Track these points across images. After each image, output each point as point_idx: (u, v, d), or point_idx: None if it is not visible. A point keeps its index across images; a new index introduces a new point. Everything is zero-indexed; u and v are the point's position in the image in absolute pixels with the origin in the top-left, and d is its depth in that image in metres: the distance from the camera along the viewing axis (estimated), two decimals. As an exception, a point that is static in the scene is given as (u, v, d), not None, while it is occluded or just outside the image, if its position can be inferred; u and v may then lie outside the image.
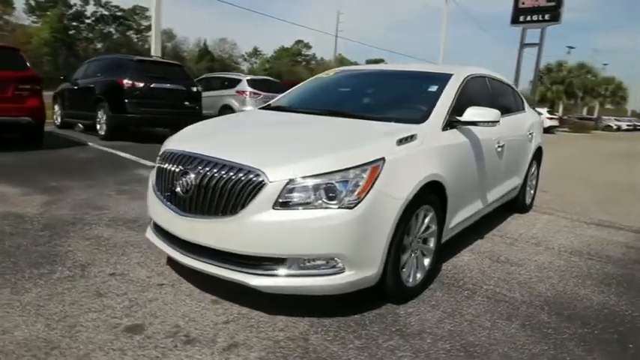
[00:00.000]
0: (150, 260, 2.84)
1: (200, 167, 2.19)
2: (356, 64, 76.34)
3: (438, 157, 2.59)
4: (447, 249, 3.21)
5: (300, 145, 2.38)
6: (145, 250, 3.00)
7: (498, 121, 2.88)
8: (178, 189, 2.25)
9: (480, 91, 3.53)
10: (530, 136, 4.42)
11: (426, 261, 2.64)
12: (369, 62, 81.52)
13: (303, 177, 2.05)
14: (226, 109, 11.47)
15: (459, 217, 2.97)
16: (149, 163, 6.27)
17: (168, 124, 9.41)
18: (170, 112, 8.86)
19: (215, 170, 2.14)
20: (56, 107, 10.32)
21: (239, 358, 1.87)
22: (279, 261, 2.08)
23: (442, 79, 3.13)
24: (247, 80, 11.49)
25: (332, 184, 2.06)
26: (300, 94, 3.58)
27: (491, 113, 2.85)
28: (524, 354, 2.04)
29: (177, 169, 2.29)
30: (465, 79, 3.22)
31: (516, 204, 4.50)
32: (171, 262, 2.77)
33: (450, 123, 2.83)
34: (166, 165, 2.38)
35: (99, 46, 46.07)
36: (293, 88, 3.74)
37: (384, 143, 2.32)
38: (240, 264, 2.13)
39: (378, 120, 2.75)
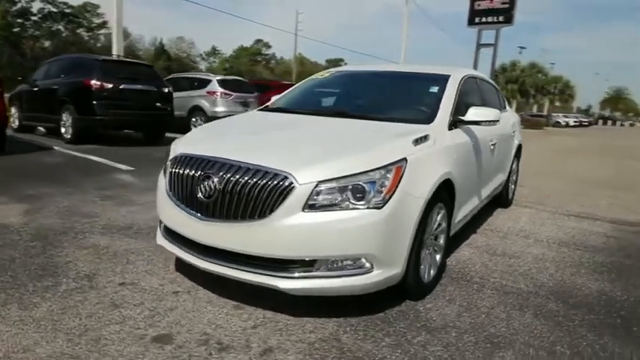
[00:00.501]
0: (157, 268, 2.75)
1: (223, 171, 2.15)
2: (316, 63, 76.47)
3: (448, 155, 2.67)
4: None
5: (320, 146, 2.38)
6: (150, 257, 2.91)
7: (498, 120, 3.01)
8: (200, 194, 2.20)
9: (473, 91, 3.66)
10: (513, 134, 4.63)
11: (438, 257, 2.72)
12: (329, 62, 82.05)
13: (331, 179, 2.06)
14: (197, 111, 11.25)
15: (462, 213, 3.07)
16: (125, 167, 6.07)
17: (139, 126, 9.11)
18: (141, 114, 8.57)
19: (240, 174, 2.11)
20: (13, 110, 9.74)
21: (276, 363, 1.86)
22: (308, 263, 2.08)
23: (440, 80, 3.23)
24: (218, 80, 11.29)
25: (360, 184, 2.08)
26: (301, 96, 3.57)
27: (492, 113, 2.96)
28: (544, 342, 2.15)
29: (197, 174, 2.23)
30: (461, 79, 3.33)
31: (500, 198, 4.69)
32: (182, 269, 2.70)
33: (454, 122, 2.92)
34: (183, 169, 2.31)
35: (47, 44, 43.76)
36: (290, 89, 3.73)
37: (402, 144, 2.36)
38: (267, 267, 2.11)
39: (386, 121, 2.80)
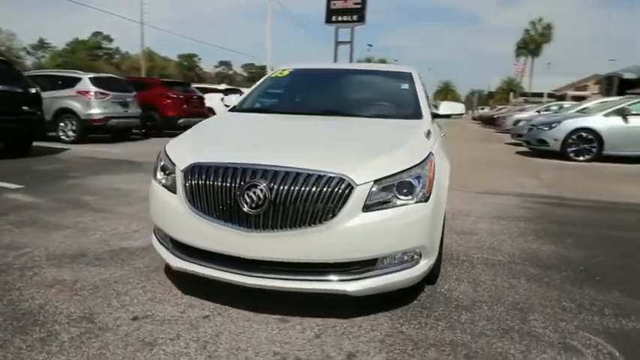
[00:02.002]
0: (161, 294, 2.43)
1: (272, 179, 2.00)
2: (167, 58, 71.66)
3: (440, 147, 2.89)
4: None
5: (353, 147, 2.37)
6: (141, 284, 2.55)
7: (465, 113, 3.35)
8: (244, 206, 2.01)
9: (423, 85, 3.98)
10: (439, 126, 5.14)
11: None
12: (182, 57, 77.78)
13: (384, 177, 2.09)
14: (65, 114, 9.78)
15: None
16: (11, 185, 5.04)
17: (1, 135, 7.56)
18: (4, 120, 7.14)
19: (292, 180, 2.00)
20: None
21: (370, 366, 1.85)
22: (370, 262, 2.09)
23: (406, 77, 3.45)
24: (90, 79, 9.97)
25: (407, 180, 2.15)
26: (272, 95, 3.44)
27: (459, 106, 3.29)
28: (552, 300, 2.51)
29: (237, 184, 2.03)
30: (419, 76, 3.60)
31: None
32: (191, 291, 2.43)
33: (433, 116, 3.16)
34: (213, 180, 2.08)
35: None
36: (252, 89, 3.55)
37: (422, 139, 2.50)
38: (329, 273, 2.06)
39: (382, 117, 2.90)
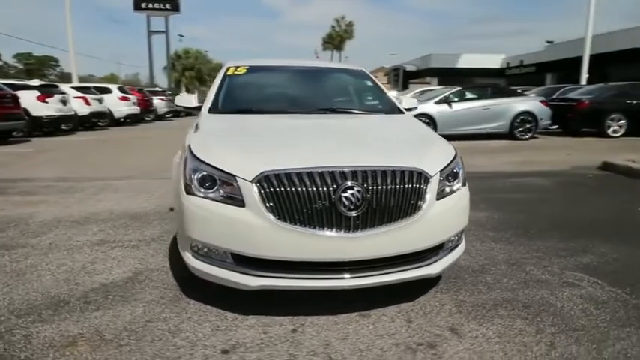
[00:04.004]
0: (219, 320, 2.19)
1: (364, 179, 2.04)
2: None
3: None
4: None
5: (393, 142, 2.53)
6: (182, 315, 2.23)
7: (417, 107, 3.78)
8: (343, 208, 1.99)
9: None
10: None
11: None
12: None
13: (444, 168, 2.33)
14: None
15: None
16: None
17: None
18: None
19: (382, 178, 2.07)
20: None
21: (487, 338, 2.09)
22: (439, 246, 2.31)
23: (363, 74, 3.70)
24: None
25: (455, 169, 2.43)
26: (247, 95, 3.26)
27: (414, 101, 3.70)
28: (525, 253, 3.15)
29: (329, 188, 1.99)
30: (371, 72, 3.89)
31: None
32: (248, 310, 2.26)
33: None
34: (300, 188, 1.98)
35: None
36: (216, 90, 3.27)
37: (432, 131, 2.80)
38: (414, 261, 2.21)
39: (375, 113, 3.10)
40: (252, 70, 3.62)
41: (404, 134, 2.80)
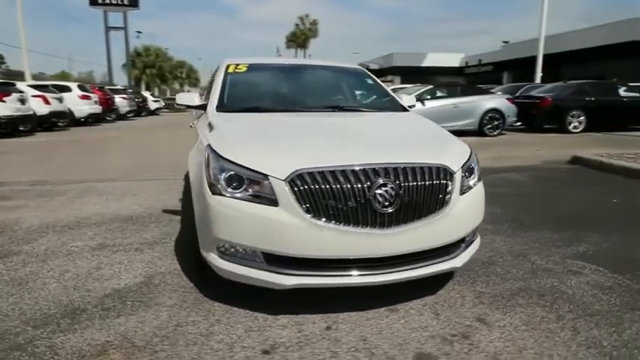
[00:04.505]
0: (251, 321, 2.17)
1: (395, 176, 2.07)
2: None
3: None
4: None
5: (413, 138, 2.57)
6: (212, 318, 2.19)
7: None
8: (377, 205, 2.02)
9: None
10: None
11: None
12: None
13: (464, 164, 2.39)
14: None
15: None
16: None
17: None
18: None
19: (412, 174, 2.11)
20: None
21: (515, 326, 2.17)
22: (461, 240, 2.37)
23: (362, 72, 3.73)
24: None
25: (471, 165, 2.50)
26: (255, 94, 3.21)
27: (413, 98, 3.77)
28: (525, 245, 3.29)
29: (364, 185, 2.01)
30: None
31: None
32: (277, 310, 2.25)
33: (407, 108, 3.56)
34: (335, 186, 1.99)
35: None
36: (219, 88, 3.20)
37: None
38: (440, 255, 2.26)
39: (385, 111, 3.14)
40: (253, 68, 3.58)
41: (418, 131, 2.85)
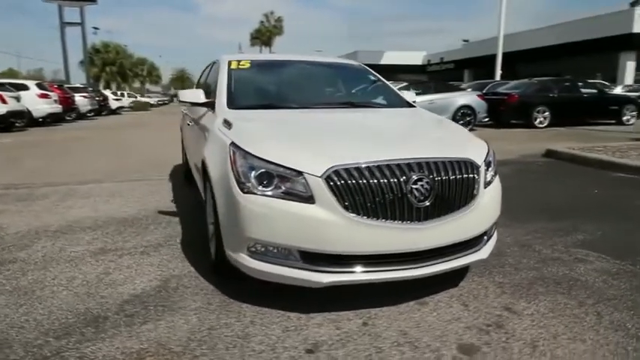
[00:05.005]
0: (285, 321, 2.14)
1: (429, 170, 2.09)
2: None
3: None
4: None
5: (436, 135, 2.62)
6: (245, 320, 2.14)
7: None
8: (414, 200, 2.03)
9: None
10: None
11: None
12: None
13: (485, 158, 2.45)
14: None
15: None
16: None
17: None
18: None
19: (444, 169, 2.14)
20: None
21: (542, 314, 2.24)
22: (484, 233, 2.42)
23: (363, 69, 3.74)
24: None
25: (490, 160, 2.56)
26: (266, 90, 3.15)
27: (413, 94, 3.82)
28: (530, 235, 3.41)
29: (400, 180, 2.02)
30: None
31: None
32: (307, 309, 2.22)
33: (409, 104, 3.60)
34: (372, 182, 1.99)
35: None
36: (225, 85, 3.11)
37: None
38: (469, 247, 2.31)
39: (393, 107, 3.17)
40: (256, 64, 3.52)
41: (436, 127, 2.89)
